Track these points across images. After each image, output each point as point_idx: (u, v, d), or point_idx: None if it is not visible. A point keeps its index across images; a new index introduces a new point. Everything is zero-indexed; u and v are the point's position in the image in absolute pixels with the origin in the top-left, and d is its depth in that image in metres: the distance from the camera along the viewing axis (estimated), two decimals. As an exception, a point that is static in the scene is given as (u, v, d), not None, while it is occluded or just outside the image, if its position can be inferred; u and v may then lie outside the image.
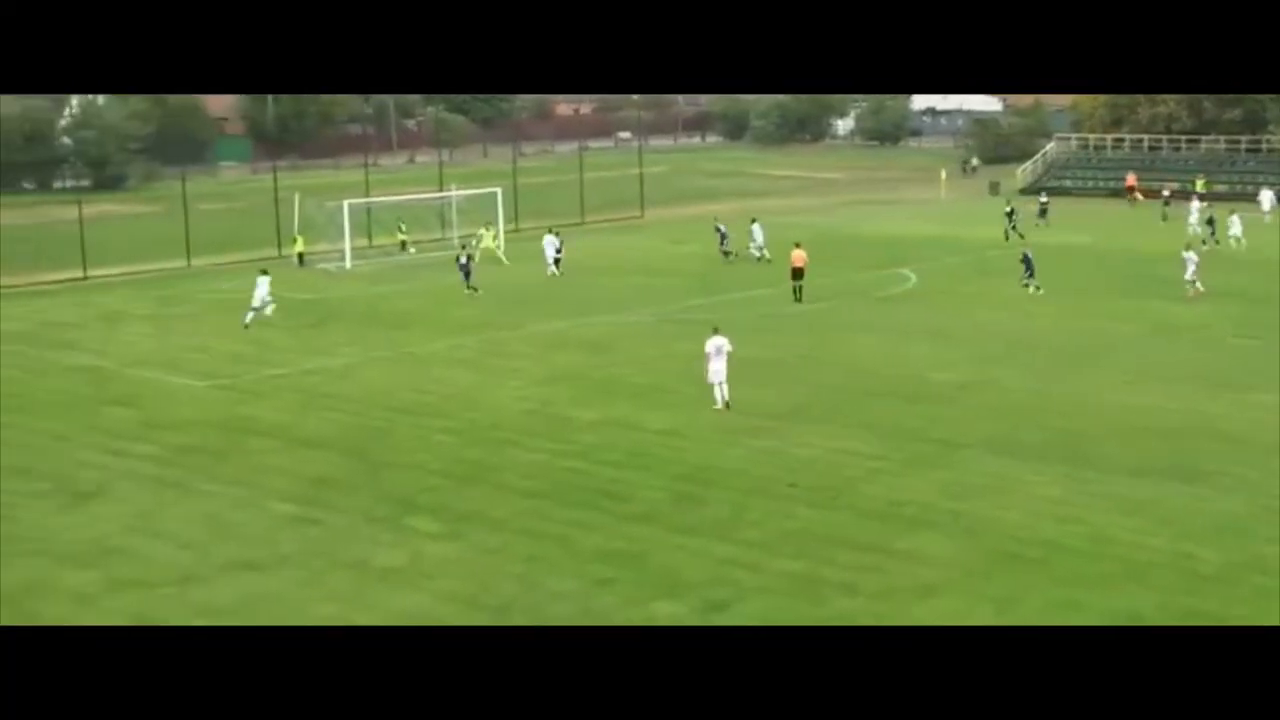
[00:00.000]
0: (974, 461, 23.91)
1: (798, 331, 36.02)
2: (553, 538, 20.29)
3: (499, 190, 55.40)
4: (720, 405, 27.43)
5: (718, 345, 27.51)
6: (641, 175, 67.99)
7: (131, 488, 23.25)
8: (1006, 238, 53.32)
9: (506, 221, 56.25)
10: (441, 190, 58.42)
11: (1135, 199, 68.23)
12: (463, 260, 43.34)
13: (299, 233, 52.36)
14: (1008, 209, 54.82)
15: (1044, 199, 62.06)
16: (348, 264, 49.28)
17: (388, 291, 43.46)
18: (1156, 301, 39.92)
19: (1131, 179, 70.65)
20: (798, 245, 40.57)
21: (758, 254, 47.28)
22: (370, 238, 54.07)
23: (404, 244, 54.48)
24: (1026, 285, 41.32)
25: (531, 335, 36.39)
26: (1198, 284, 40.39)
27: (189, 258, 51.49)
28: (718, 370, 27.43)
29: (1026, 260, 41.94)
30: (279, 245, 53.47)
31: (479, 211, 54.88)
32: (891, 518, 20.96)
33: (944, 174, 76.32)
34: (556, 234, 47.53)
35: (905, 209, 68.64)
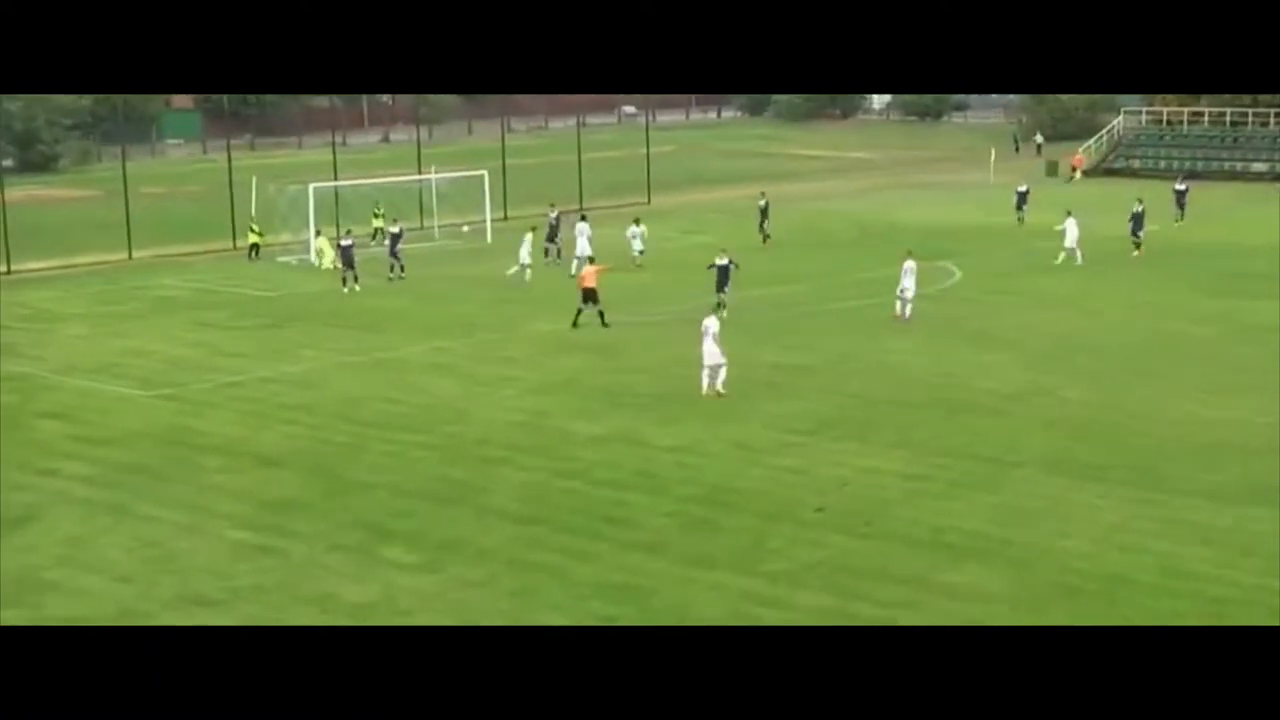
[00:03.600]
0: (1027, 482, 23.94)
1: (827, 334, 36.09)
2: (546, 569, 20.33)
3: (485, 173, 55.60)
4: (707, 390, 29.04)
5: (705, 325, 29.39)
6: (648, 155, 68.19)
7: (64, 512, 23.32)
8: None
9: (494, 208, 56.42)
10: (420, 173, 58.60)
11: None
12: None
13: (256, 221, 52.55)
14: (1138, 209, 48.74)
15: (1181, 185, 56.97)
16: (312, 256, 49.44)
17: (359, 287, 43.59)
18: (1244, 300, 39.92)
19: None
20: (591, 261, 39.44)
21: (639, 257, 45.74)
22: (338, 226, 54.18)
23: (377, 232, 54.63)
24: (1137, 243, 46.29)
25: (525, 337, 36.48)
26: None
27: (130, 249, 51.70)
28: (711, 353, 29.10)
29: (1136, 218, 46.25)
30: (234, 235, 53.67)
31: (463, 196, 55.09)
32: (933, 547, 20.99)
33: (994, 153, 76.42)
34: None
35: (948, 194, 68.76)
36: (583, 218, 47.02)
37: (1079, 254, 45.71)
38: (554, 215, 49.70)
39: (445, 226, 55.24)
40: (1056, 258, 45.76)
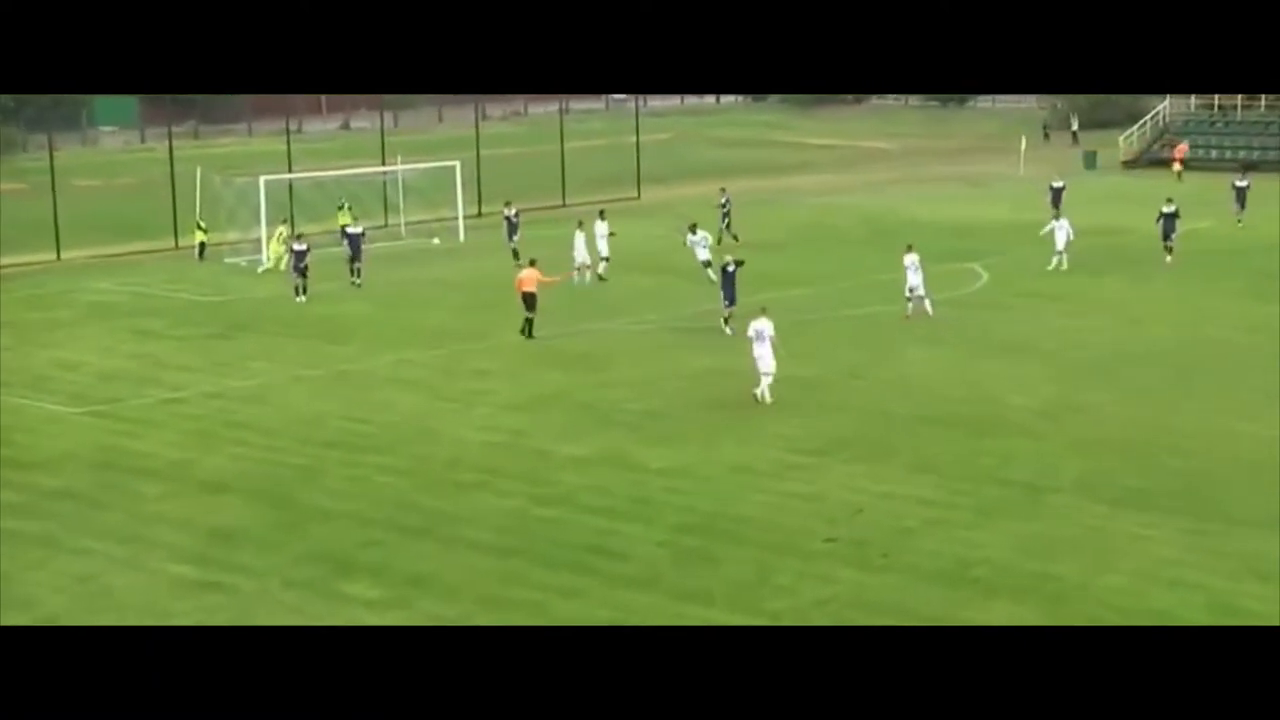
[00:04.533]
0: (1063, 509, 23.94)
1: (837, 343, 36.11)
2: (525, 607, 20.29)
3: (458, 163, 55.58)
4: (760, 396, 30.11)
5: (758, 329, 30.36)
6: (639, 144, 68.24)
7: (-15, 544, 23.25)
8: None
9: (467, 204, 56.41)
10: (385, 164, 58.61)
11: (1178, 171, 68.97)
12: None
13: (201, 217, 52.50)
14: (1168, 209, 47.71)
15: (1243, 181, 55.65)
16: (264, 257, 49.40)
17: (315, 292, 43.54)
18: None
19: (1181, 148, 71.36)
20: (532, 263, 38.03)
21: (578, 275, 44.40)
22: (293, 223, 54.13)
23: (345, 230, 54.51)
24: (1168, 248, 46.21)
25: (501, 348, 36.46)
26: None
27: (59, 249, 51.63)
28: (762, 357, 30.17)
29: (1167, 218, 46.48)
30: (176, 233, 53.60)
31: (433, 190, 55.08)
32: (958, 582, 20.98)
33: (1024, 142, 76.56)
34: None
35: (973, 188, 68.88)
36: (601, 215, 46.39)
37: (1065, 259, 45.48)
38: (512, 212, 49.55)
39: (414, 224, 55.23)
40: (1050, 264, 45.47)
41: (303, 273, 42.76)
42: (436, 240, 52.56)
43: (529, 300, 37.06)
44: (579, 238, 44.75)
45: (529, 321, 36.96)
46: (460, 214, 55.15)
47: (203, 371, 34.83)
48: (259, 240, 49.92)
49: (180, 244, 53.21)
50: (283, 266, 48.54)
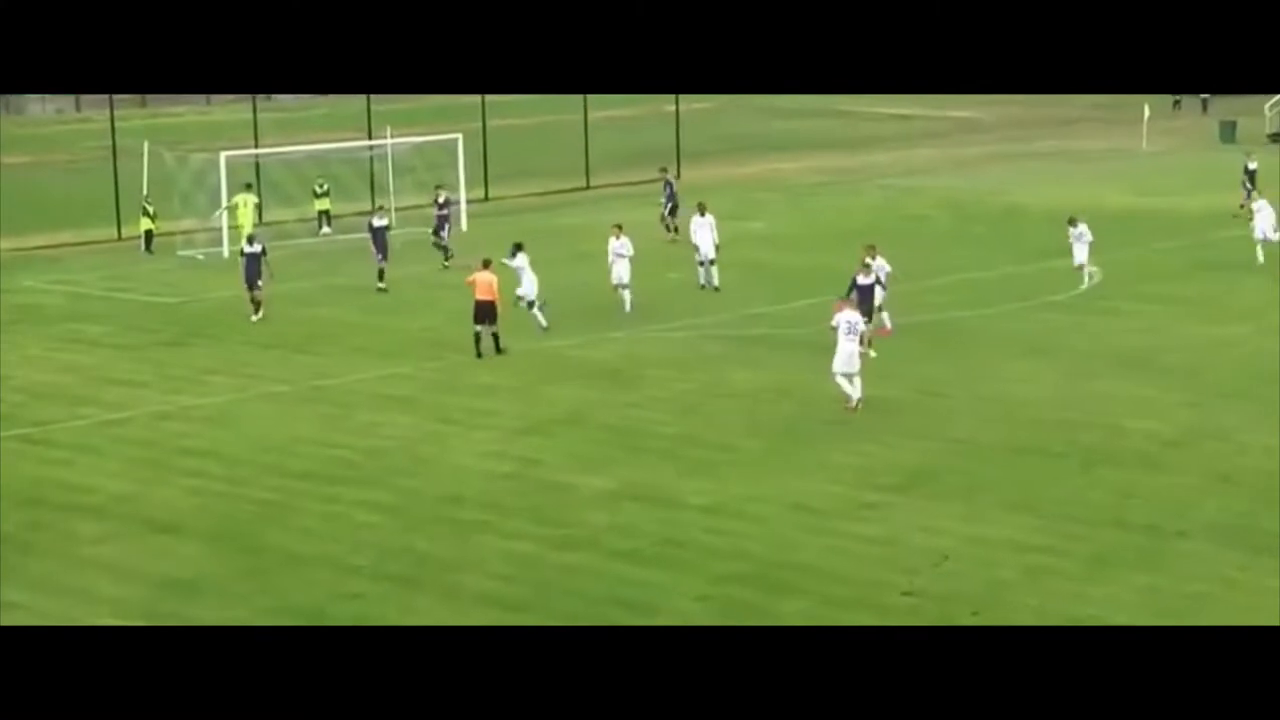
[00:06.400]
0: (1193, 559, 23.84)
1: (917, 356, 36.04)
2: (538, 673, 20.33)
3: (459, 136, 55.72)
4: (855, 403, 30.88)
5: (850, 321, 31.43)
6: (677, 116, 68.35)
7: (-111, 593, 23.39)
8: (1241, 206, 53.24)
9: (470, 185, 56.53)
10: (371, 137, 58.82)
11: None
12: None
13: (150, 201, 52.79)
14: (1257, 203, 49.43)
15: None
16: (225, 249, 49.64)
17: (288, 292, 43.76)
18: None
19: None
20: (486, 264, 37.32)
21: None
22: (261, 209, 54.44)
23: (324, 216, 54.82)
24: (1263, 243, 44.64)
25: (509, 360, 36.53)
26: None
27: (-20, 240, 51.99)
28: (850, 357, 31.18)
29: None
30: (119, 219, 53.90)
31: (429, 169, 55.17)
32: (1065, 645, 20.92)
33: (1146, 111, 76.28)
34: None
35: (1085, 166, 68.74)
36: (702, 210, 45.65)
37: (1263, 251, 45.53)
38: (442, 199, 49.37)
39: (406, 210, 55.42)
40: (1258, 256, 45.47)
41: (254, 281, 40.85)
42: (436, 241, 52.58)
43: (486, 311, 36.34)
44: (616, 247, 43.55)
45: (494, 337, 36.38)
46: (463, 198, 55.33)
47: (151, 387, 34.98)
48: (219, 230, 50.13)
49: (124, 234, 53.54)
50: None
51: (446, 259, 47.58)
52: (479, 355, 36.29)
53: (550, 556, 24.35)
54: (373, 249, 44.85)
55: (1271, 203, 47.45)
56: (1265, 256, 45.47)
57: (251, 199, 51.78)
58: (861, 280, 35.82)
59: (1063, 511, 25.83)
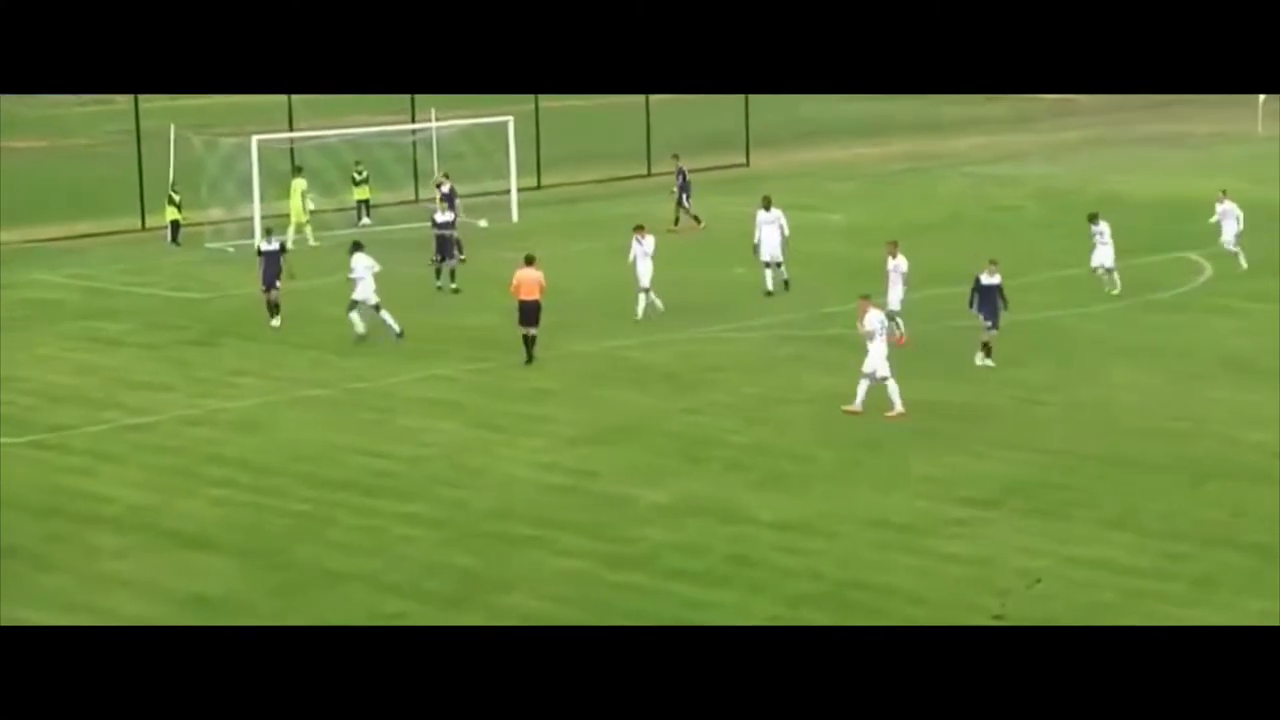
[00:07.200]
0: (1314, 582, 23.61)
1: (1014, 358, 35.79)
2: (592, 702, 20.29)
3: (510, 119, 55.70)
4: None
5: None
6: (747, 99, 68.20)
7: (-107, 611, 23.53)
8: None
9: (522, 172, 56.49)
10: (414, 120, 58.86)
11: None
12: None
13: (176, 189, 52.97)
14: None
15: None
16: (258, 241, 49.73)
17: (324, 288, 43.88)
18: None
19: None
20: (530, 261, 37.16)
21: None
22: (306, 197, 54.53)
23: (363, 205, 54.85)
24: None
25: (563, 361, 36.54)
26: None
27: (-8, 230, 52.33)
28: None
29: None
30: (143, 209, 54.12)
31: (478, 155, 55.18)
32: (1170, 676, 20.75)
33: (1262, 95, 75.78)
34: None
35: (1192, 153, 68.25)
36: (767, 205, 45.06)
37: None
38: (446, 188, 49.34)
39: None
40: None
41: (273, 283, 40.39)
42: (483, 222, 52.58)
43: (532, 313, 36.17)
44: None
45: (528, 341, 36.18)
46: (513, 186, 55.35)
47: (176, 390, 35.11)
48: (250, 219, 50.23)
49: (148, 224, 53.73)
50: (311, 239, 48.88)
51: (459, 252, 47.36)
52: (529, 361, 36.16)
53: (606, 575, 24.35)
54: (436, 249, 44.46)
55: None
56: None
57: (301, 185, 51.72)
58: (985, 280, 35.46)
59: (1167, 529, 25.68)
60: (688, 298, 41.77)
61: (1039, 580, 23.76)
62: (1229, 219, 44.40)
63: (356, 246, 39.22)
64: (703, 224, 52.27)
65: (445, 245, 44.45)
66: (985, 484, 27.87)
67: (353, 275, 38.57)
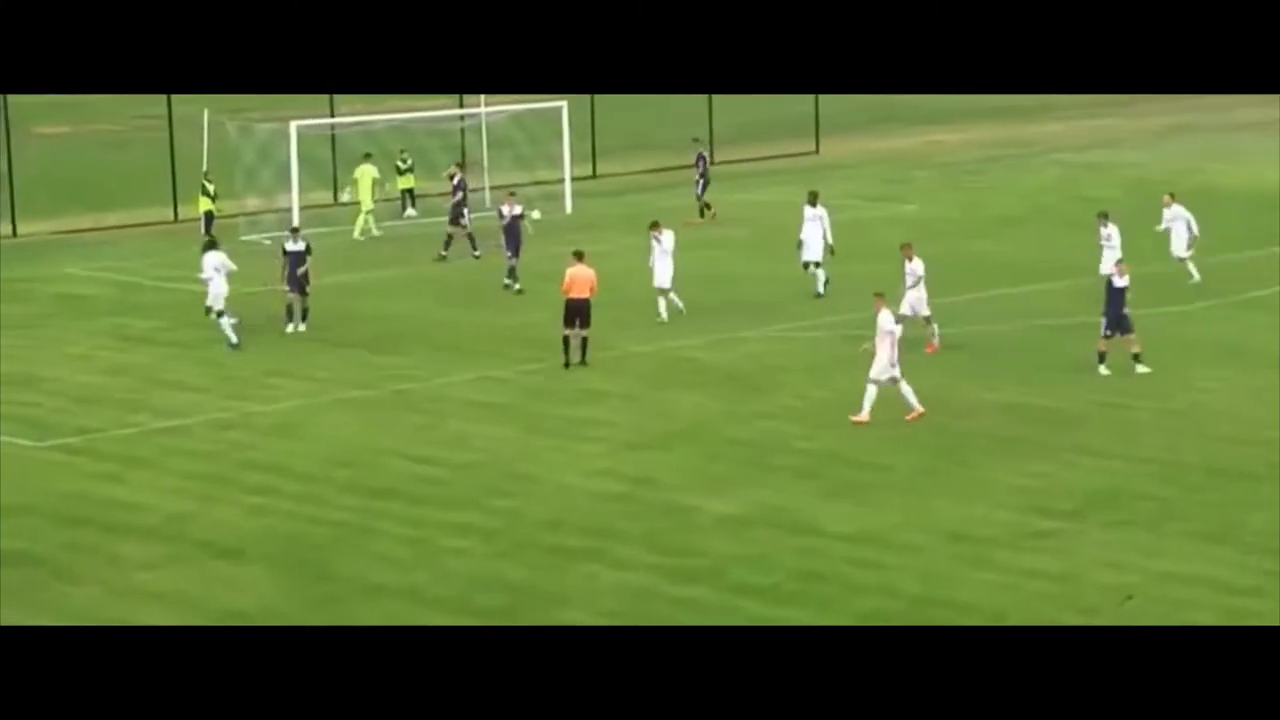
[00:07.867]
0: None
1: (1108, 361, 35.69)
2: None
3: (564, 104, 55.73)
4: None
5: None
6: (817, 81, 68.14)
7: (-87, 623, 23.77)
8: None
9: (577, 161, 56.48)
10: (462, 104, 58.97)
11: None
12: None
13: (209, 178, 53.19)
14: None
15: None
16: (284, 240, 49.85)
17: (366, 282, 44.01)
18: None
19: None
20: (579, 256, 37.29)
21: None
22: (336, 186, 54.80)
23: (408, 195, 54.87)
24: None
25: (620, 361, 36.61)
26: None
27: (14, 221, 52.73)
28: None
29: None
30: (175, 199, 54.38)
31: (530, 141, 55.21)
32: (1270, 701, 20.69)
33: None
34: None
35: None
36: (813, 200, 43.82)
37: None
38: (457, 178, 49.07)
39: (502, 189, 55.56)
40: None
41: (301, 286, 40.05)
42: (536, 214, 52.56)
43: (580, 312, 36.07)
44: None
45: (583, 342, 36.12)
46: (567, 175, 55.37)
47: (210, 392, 35.34)
48: (290, 210, 50.33)
49: (180, 215, 53.96)
50: (373, 229, 48.95)
51: (474, 248, 47.36)
52: (566, 365, 36.06)
53: (667, 590, 24.40)
54: (503, 244, 44.26)
55: None
56: None
57: (371, 172, 51.69)
58: (1118, 281, 35.21)
59: (1267, 545, 25.54)
60: (742, 295, 41.79)
61: (1130, 597, 23.70)
62: (1179, 224, 42.59)
63: (209, 246, 39.05)
64: (712, 212, 52.28)
65: (513, 239, 44.15)
66: (1071, 495, 27.85)
67: (202, 276, 38.31)
